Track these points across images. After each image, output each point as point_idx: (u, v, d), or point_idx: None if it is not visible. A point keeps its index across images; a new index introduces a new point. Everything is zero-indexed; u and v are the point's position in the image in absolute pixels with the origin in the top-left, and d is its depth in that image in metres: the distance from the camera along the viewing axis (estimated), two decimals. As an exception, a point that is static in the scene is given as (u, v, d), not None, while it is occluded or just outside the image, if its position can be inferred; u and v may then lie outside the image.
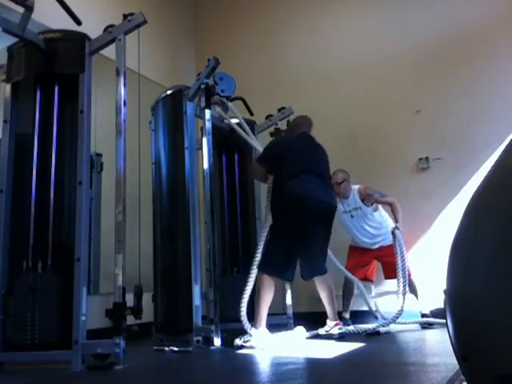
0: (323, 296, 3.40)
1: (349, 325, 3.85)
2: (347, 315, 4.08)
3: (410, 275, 3.80)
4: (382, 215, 4.10)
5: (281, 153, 3.38)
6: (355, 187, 4.08)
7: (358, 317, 4.23)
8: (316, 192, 3.27)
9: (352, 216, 4.07)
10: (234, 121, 3.85)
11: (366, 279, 4.17)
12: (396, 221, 3.88)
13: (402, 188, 4.37)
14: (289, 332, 3.50)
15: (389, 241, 3.93)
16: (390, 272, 3.92)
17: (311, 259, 3.32)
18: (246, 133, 3.83)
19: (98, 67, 3.07)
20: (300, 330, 3.43)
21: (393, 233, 3.80)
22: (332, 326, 3.37)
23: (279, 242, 3.22)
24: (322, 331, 3.44)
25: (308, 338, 3.41)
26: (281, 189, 3.26)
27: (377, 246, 4.05)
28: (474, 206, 1.12)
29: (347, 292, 4.09)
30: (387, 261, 3.95)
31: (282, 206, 3.24)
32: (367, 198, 4.03)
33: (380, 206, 4.10)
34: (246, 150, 4.19)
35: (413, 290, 3.85)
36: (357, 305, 4.29)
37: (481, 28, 4.35)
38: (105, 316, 2.55)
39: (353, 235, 4.14)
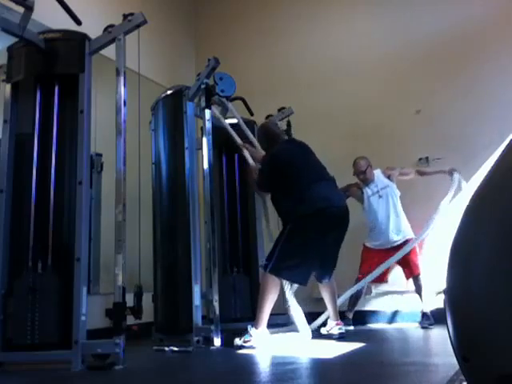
0: (326, 296, 3.41)
1: (349, 325, 3.85)
2: (350, 315, 4.07)
3: (418, 274, 3.82)
4: (402, 209, 4.15)
5: (286, 164, 3.29)
6: (377, 170, 4.21)
7: (359, 317, 4.22)
8: (335, 199, 3.26)
9: (380, 196, 4.12)
10: (232, 121, 3.85)
11: (381, 281, 4.15)
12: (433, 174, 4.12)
13: (402, 188, 4.36)
14: (289, 332, 3.50)
15: (403, 239, 3.96)
16: (410, 270, 3.92)
17: (329, 263, 3.34)
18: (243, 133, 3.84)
19: (98, 67, 3.07)
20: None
21: (450, 173, 3.92)
22: (333, 326, 3.38)
23: (297, 247, 3.16)
24: (323, 331, 3.45)
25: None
26: (299, 200, 3.19)
27: (390, 246, 4.00)
28: (474, 206, 1.12)
29: (356, 293, 4.02)
30: (405, 257, 3.87)
31: (305, 216, 3.16)
32: (392, 174, 4.18)
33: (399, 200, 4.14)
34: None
35: (418, 290, 3.84)
36: (358, 305, 4.28)
37: (481, 28, 4.35)
38: (105, 316, 2.56)
39: (375, 222, 4.10)
